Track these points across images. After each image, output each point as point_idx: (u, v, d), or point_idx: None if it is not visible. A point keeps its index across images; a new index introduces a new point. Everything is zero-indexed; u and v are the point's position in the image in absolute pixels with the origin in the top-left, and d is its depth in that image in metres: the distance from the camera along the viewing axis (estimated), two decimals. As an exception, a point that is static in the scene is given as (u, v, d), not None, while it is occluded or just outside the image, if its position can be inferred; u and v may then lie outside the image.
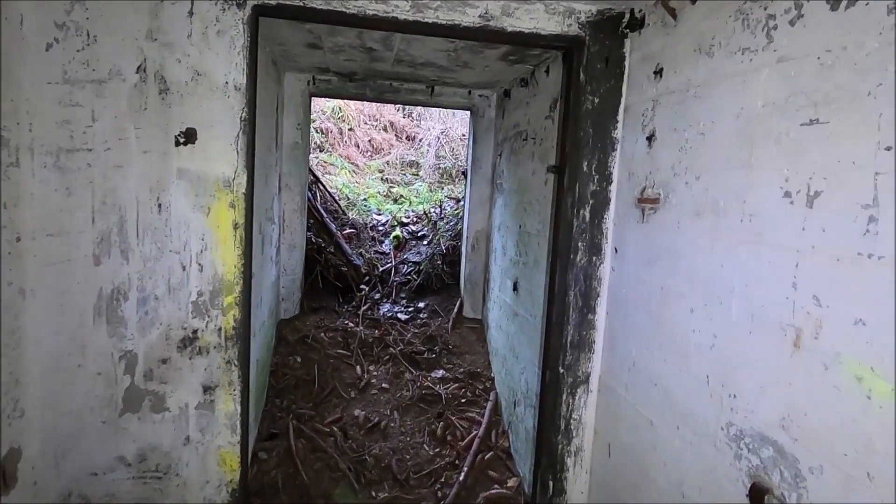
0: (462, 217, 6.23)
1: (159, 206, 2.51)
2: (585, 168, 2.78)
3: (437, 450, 4.29)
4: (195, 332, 2.60)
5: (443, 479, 4.03)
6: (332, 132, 10.48)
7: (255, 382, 4.05)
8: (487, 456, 4.19)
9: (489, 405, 4.70)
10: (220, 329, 2.62)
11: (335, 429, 4.33)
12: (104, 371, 2.56)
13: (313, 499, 3.72)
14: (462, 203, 6.83)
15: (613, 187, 2.78)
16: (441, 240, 6.53)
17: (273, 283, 4.90)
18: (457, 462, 4.17)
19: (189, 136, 2.50)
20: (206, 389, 2.64)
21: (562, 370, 2.92)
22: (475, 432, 4.41)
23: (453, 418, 4.55)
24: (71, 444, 2.57)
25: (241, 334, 2.64)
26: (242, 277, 2.61)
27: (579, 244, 2.82)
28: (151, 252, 2.53)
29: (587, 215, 2.80)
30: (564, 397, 2.92)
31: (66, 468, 2.57)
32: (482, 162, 5.64)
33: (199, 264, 2.57)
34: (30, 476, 2.52)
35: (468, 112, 5.85)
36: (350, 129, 10.95)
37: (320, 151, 9.64)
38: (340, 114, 10.88)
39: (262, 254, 4.19)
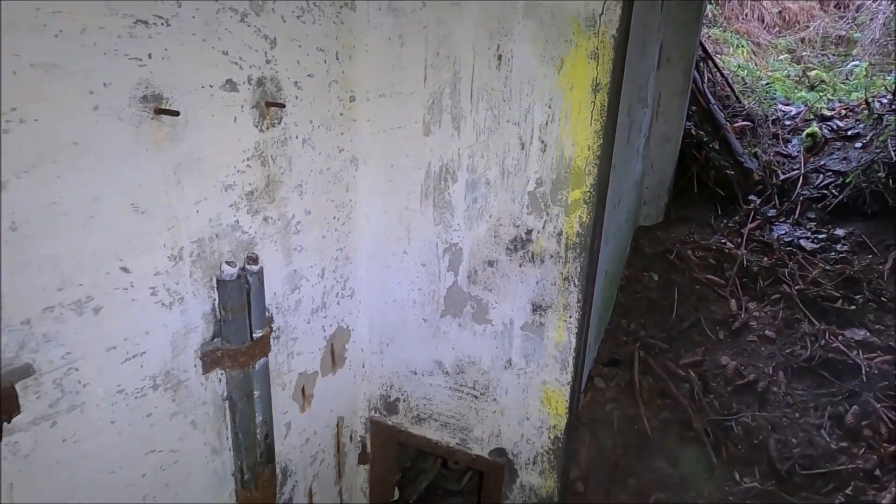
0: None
1: (499, 58, 1.85)
2: None
3: (844, 444, 2.96)
4: (529, 232, 1.96)
5: (849, 491, 2.75)
6: (728, 2, 8.43)
7: (600, 297, 3.37)
8: (937, 481, 2.69)
9: (948, 402, 3.02)
10: (559, 233, 1.92)
11: (692, 374, 3.39)
12: (428, 263, 2.17)
13: (653, 457, 2.96)
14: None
15: None
16: (889, 142, 4.46)
17: (636, 182, 4.00)
18: (877, 472, 2.80)
19: (544, -51, 1.71)
20: (536, 308, 2.03)
21: None
22: (917, 438, 2.89)
23: (878, 406, 3.08)
24: (394, 335, 2.32)
25: (588, 244, 1.89)
26: (598, 165, 1.81)
27: None
28: (486, 122, 1.93)
29: None
30: None
31: (389, 359, 2.36)
32: None
33: (542, 142, 1.86)
34: (358, 358, 2.39)
35: None
36: (754, -1, 8.66)
37: (711, 26, 7.85)
38: (745, -22, 8.63)
39: (626, 142, 3.30)
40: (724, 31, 7.99)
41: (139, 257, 1.39)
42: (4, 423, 1.16)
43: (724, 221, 4.60)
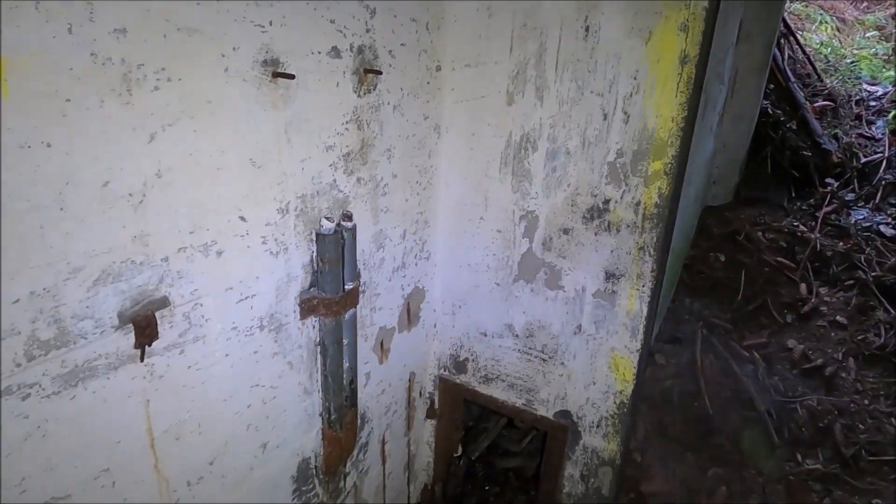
0: None
1: (586, 29, 1.89)
2: None
3: (915, 434, 2.91)
4: (606, 202, 2.01)
5: (918, 480, 2.72)
6: (814, -25, 7.98)
7: (666, 274, 3.38)
8: None
9: None
10: (637, 204, 1.96)
11: (757, 356, 3.37)
12: (504, 230, 2.26)
13: (713, 434, 2.99)
14: None
15: None
16: None
17: (706, 161, 3.94)
18: (949, 464, 2.74)
19: (640, -80, 1.73)
20: (609, 277, 2.09)
21: None
22: None
23: (954, 397, 2.99)
24: (466, 297, 2.43)
25: (665, 216, 1.93)
26: (681, 138, 1.84)
27: None
28: (569, 93, 1.97)
29: None
30: None
31: (460, 321, 2.48)
32: None
33: (625, 113, 1.90)
34: (431, 318, 2.52)
35: None
36: (844, -29, 8.15)
37: (793, 1, 7.47)
38: (833, -51, 8.13)
39: (701, 119, 3.26)
40: (807, 7, 7.59)
41: (254, 208, 1.53)
42: (146, 346, 1.33)
43: (798, 204, 4.47)
